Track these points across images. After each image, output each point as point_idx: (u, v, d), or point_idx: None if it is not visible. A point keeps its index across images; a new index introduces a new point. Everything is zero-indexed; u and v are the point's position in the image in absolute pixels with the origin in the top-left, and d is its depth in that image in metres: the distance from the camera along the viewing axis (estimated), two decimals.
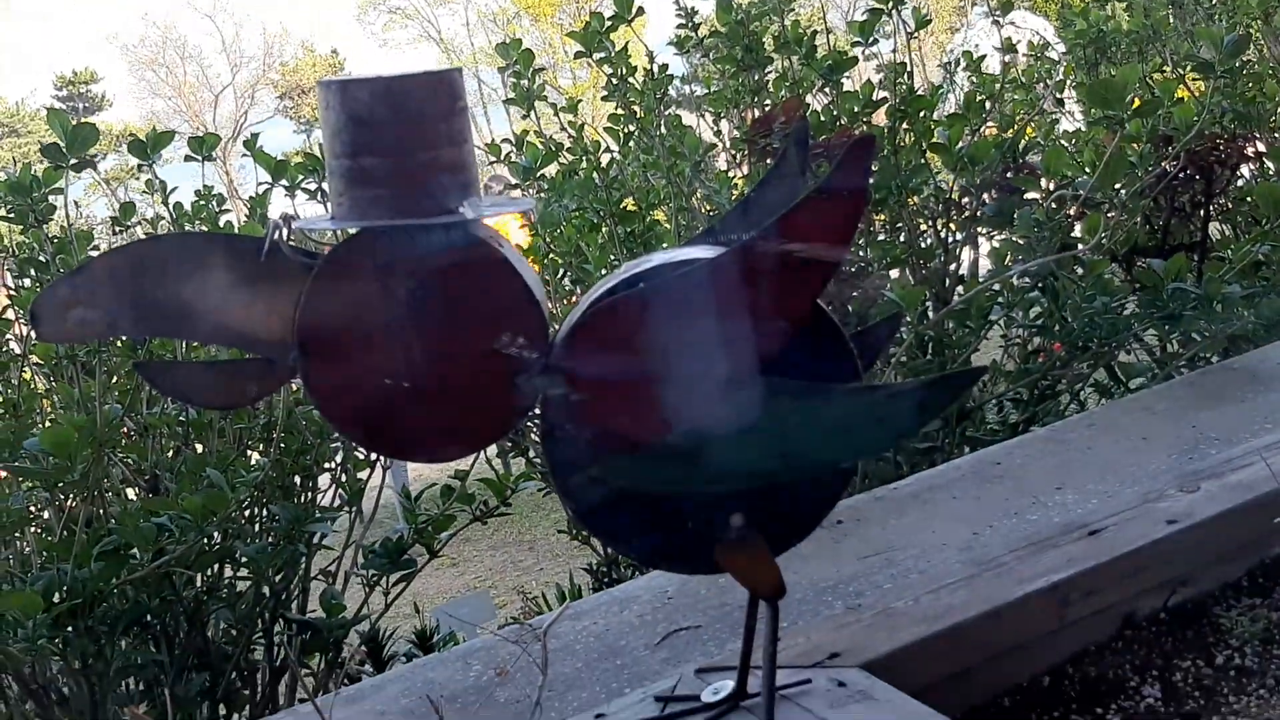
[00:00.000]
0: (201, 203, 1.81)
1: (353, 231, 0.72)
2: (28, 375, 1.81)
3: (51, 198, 1.73)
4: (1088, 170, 1.90)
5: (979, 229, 2.31)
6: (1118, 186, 1.85)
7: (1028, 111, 2.62)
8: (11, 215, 1.69)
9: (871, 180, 2.12)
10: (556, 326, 0.77)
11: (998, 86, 2.30)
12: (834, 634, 0.91)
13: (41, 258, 1.70)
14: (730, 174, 2.35)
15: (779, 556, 0.77)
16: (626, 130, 2.29)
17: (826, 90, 2.23)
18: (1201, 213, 2.33)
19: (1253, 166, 2.32)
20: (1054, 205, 1.95)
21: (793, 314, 0.71)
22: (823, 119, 2.22)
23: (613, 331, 0.72)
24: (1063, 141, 2.08)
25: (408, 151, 0.70)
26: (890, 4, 2.14)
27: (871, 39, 2.24)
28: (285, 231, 0.71)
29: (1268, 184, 1.78)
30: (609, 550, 2.00)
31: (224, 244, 0.72)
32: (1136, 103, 1.92)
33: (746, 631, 0.86)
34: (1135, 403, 1.94)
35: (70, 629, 1.56)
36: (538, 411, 0.75)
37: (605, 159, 2.30)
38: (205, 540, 1.64)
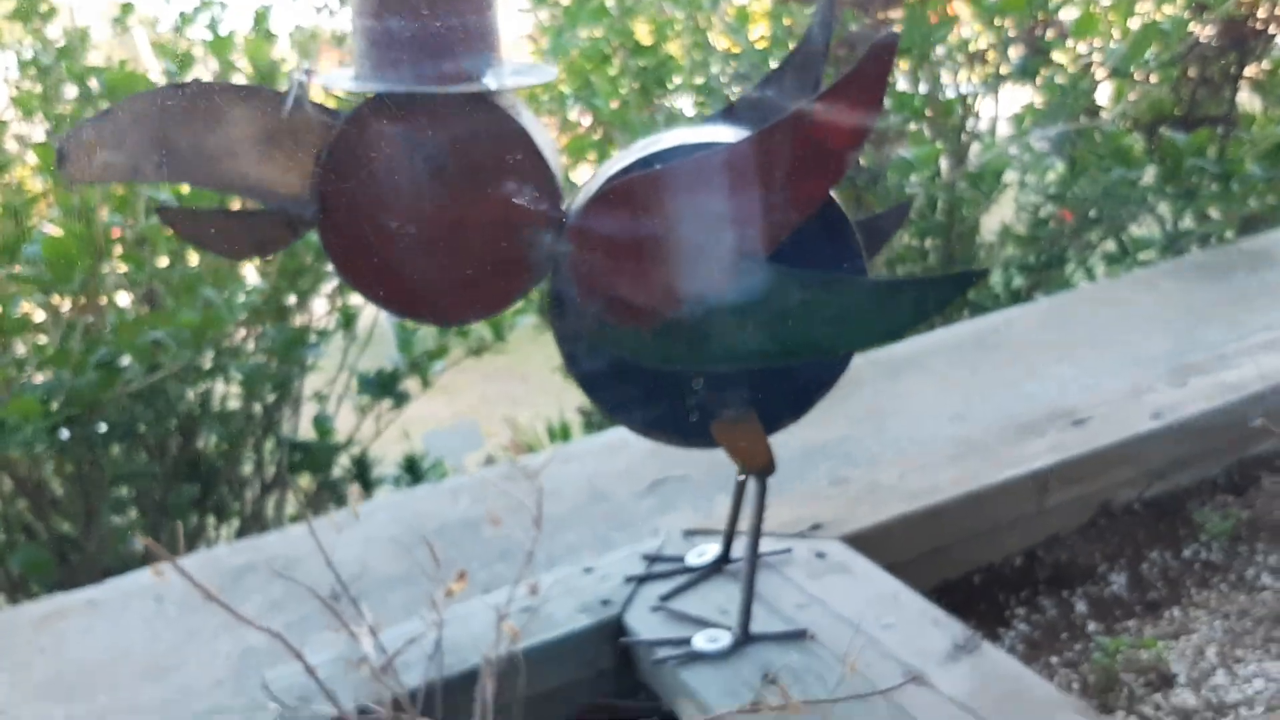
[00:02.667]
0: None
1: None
2: (24, 175, 1.78)
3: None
4: (1116, 37, 1.84)
5: (1002, 84, 2.25)
6: (1147, 57, 1.79)
7: None
8: (14, 15, 1.64)
9: (897, 29, 2.05)
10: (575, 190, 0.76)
11: None
12: (819, 505, 0.93)
13: (44, 60, 1.65)
14: (749, 7, 2.26)
15: (772, 434, 0.78)
16: None
17: None
18: (1232, 85, 2.26)
19: None
20: (1080, 70, 1.89)
21: (804, 204, 0.69)
22: None
23: (627, 206, 0.70)
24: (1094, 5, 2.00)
25: (432, 15, 0.67)
26: None
27: None
28: (306, 87, 0.69)
29: None
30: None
31: (246, 95, 0.70)
32: None
33: (734, 499, 0.87)
34: (1141, 278, 1.94)
35: (67, 434, 1.58)
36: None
37: None
38: (199, 357, 1.65)
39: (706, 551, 0.90)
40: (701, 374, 0.76)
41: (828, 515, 0.91)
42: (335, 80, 0.71)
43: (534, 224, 0.73)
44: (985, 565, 0.94)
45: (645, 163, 0.72)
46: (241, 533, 1.89)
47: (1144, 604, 0.91)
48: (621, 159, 0.75)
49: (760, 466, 0.78)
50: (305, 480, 1.89)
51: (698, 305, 0.72)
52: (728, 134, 0.75)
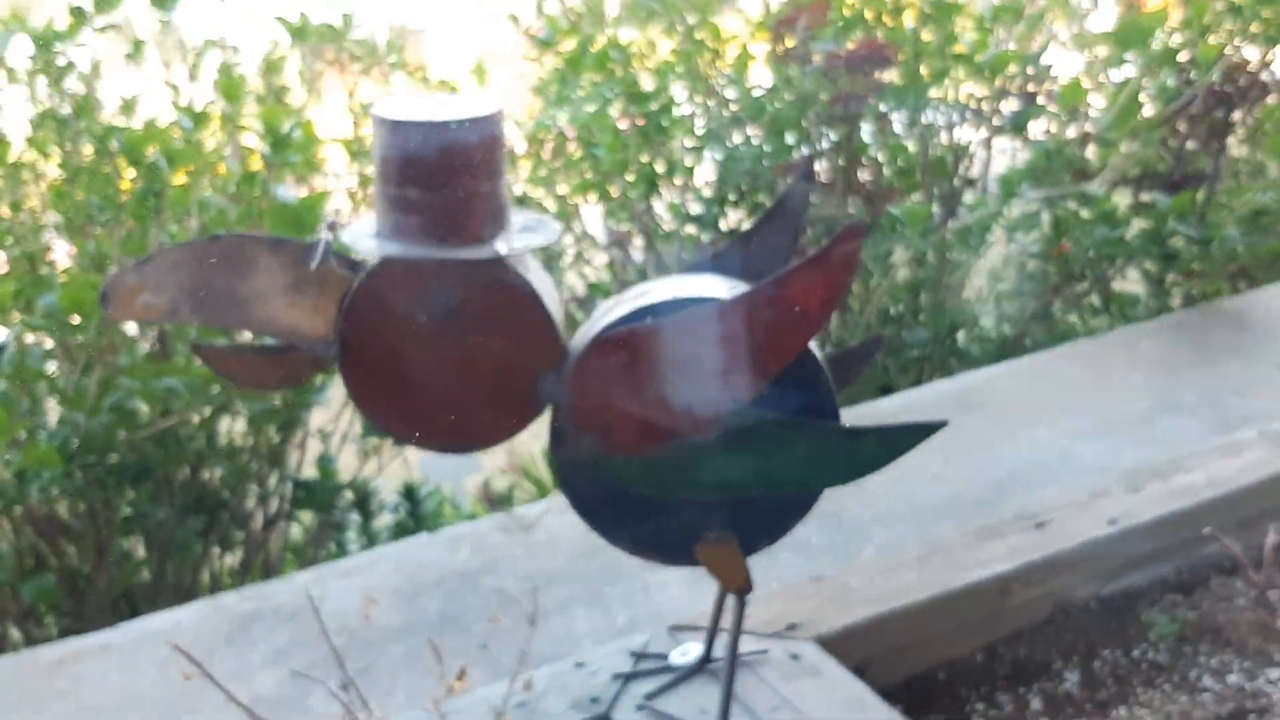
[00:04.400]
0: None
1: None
2: (41, 223, 1.85)
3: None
4: (1102, 104, 1.90)
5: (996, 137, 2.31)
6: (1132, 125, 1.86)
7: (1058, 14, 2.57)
8: (34, 71, 1.70)
9: (888, 83, 2.12)
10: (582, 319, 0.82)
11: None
12: (795, 604, 1.00)
13: (63, 111, 1.71)
14: (749, 63, 2.32)
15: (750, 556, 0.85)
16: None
17: None
18: (1219, 140, 2.33)
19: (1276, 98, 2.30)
20: (1066, 138, 1.95)
21: (780, 359, 0.77)
22: (848, 15, 2.19)
23: (620, 355, 0.78)
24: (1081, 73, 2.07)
25: (449, 186, 0.74)
26: None
27: None
28: (331, 243, 0.76)
29: (1276, 138, 1.79)
30: None
31: (277, 246, 0.77)
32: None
33: (717, 601, 0.95)
34: (1120, 339, 2.01)
35: (81, 479, 1.65)
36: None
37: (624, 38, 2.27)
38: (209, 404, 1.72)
39: (690, 651, 0.97)
40: (686, 502, 0.83)
41: (803, 615, 0.98)
42: (359, 240, 0.78)
43: (536, 367, 0.80)
44: (949, 661, 1.01)
45: (639, 314, 0.79)
46: (244, 564, 1.96)
47: (1094, 702, 0.98)
48: (617, 306, 0.82)
49: (738, 586, 0.86)
50: (307, 517, 1.96)
51: (684, 443, 0.79)
52: (714, 286, 0.82)
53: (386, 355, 0.79)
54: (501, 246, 0.77)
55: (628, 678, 0.95)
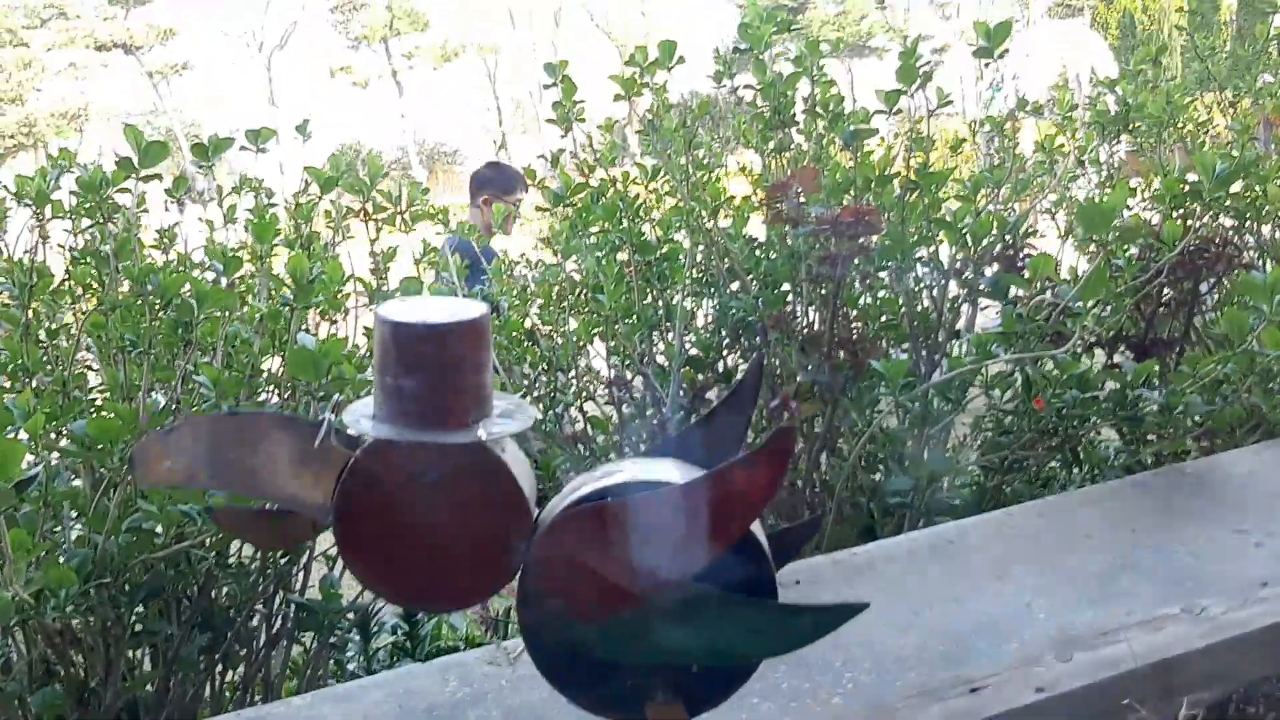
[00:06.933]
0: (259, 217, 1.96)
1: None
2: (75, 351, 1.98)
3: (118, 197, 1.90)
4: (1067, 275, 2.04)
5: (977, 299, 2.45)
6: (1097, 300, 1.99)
7: (1044, 179, 2.74)
8: (80, 210, 1.86)
9: (875, 241, 2.26)
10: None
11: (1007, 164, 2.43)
12: None
13: (104, 250, 1.86)
14: (746, 217, 2.48)
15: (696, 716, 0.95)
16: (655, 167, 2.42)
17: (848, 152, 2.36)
18: (1187, 309, 2.46)
19: (1242, 270, 2.43)
20: (1039, 303, 2.08)
21: (723, 540, 0.88)
22: (839, 180, 2.34)
23: (580, 531, 0.89)
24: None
25: (439, 379, 0.87)
26: (913, 86, 2.25)
27: (895, 109, 2.36)
28: (334, 424, 0.88)
29: (1235, 311, 1.91)
30: None
31: (287, 424, 0.89)
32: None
33: None
34: (1089, 496, 2.10)
35: (95, 597, 1.75)
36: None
37: (632, 191, 2.44)
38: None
39: None
40: (638, 665, 0.93)
41: None
42: (358, 421, 0.90)
43: (509, 537, 0.91)
44: None
45: (600, 494, 0.91)
46: (245, 681, 2.04)
47: None
48: (583, 484, 0.93)
49: None
50: (309, 639, 2.05)
51: (635, 611, 0.89)
52: (671, 471, 0.94)
53: (376, 523, 0.90)
54: (482, 432, 0.89)
55: None
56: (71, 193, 1.97)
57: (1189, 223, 2.23)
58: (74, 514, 1.83)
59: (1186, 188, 2.10)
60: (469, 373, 0.88)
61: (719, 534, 0.88)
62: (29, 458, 1.71)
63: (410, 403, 0.87)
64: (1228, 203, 2.32)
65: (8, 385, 1.89)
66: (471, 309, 0.88)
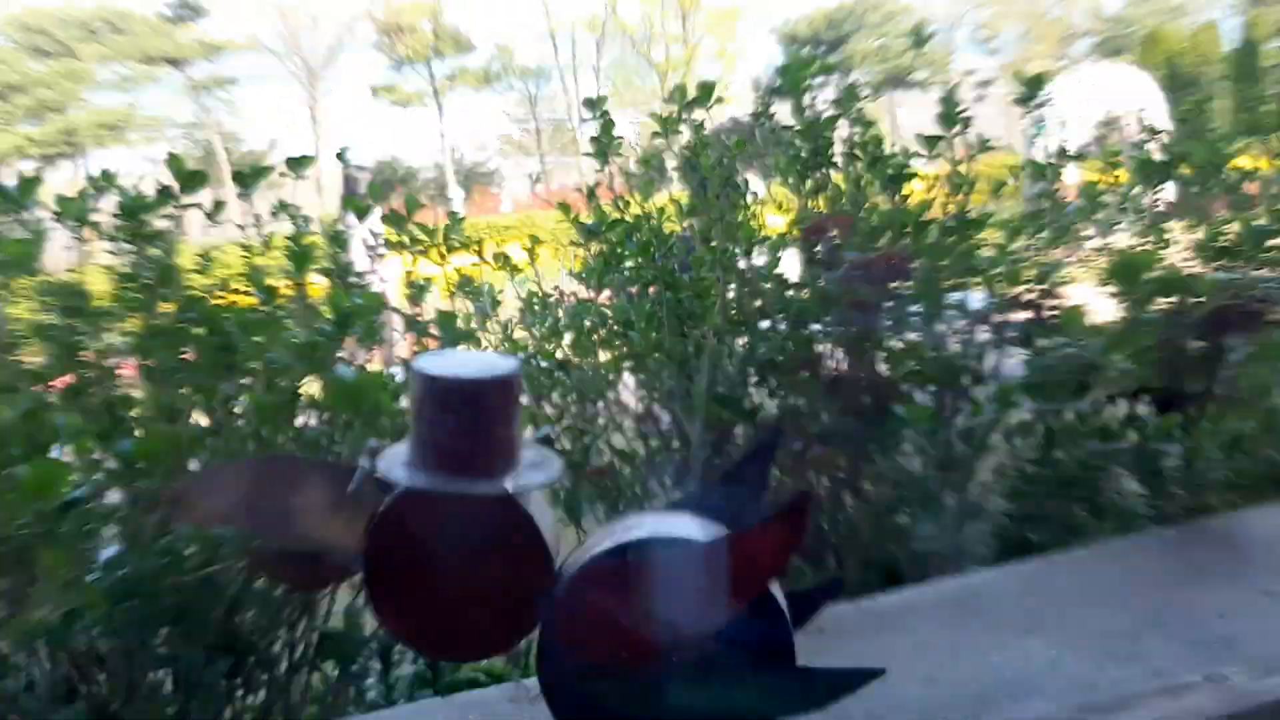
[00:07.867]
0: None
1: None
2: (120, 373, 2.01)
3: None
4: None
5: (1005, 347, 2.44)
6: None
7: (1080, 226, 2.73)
8: (120, 235, 1.90)
9: (907, 283, 2.26)
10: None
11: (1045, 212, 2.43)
12: None
13: (144, 277, 1.90)
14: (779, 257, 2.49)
15: None
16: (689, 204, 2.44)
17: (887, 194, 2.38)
18: (1211, 364, 2.44)
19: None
20: (1066, 352, 2.08)
21: (739, 598, 0.89)
22: (876, 223, 2.35)
23: (600, 585, 0.90)
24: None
25: (470, 431, 0.89)
26: (954, 131, 2.26)
27: (935, 153, 2.37)
28: (369, 471, 0.90)
29: (1255, 369, 1.91)
30: None
31: (323, 469, 0.91)
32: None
33: None
34: (1114, 551, 2.10)
35: (121, 619, 1.77)
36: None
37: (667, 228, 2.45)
38: None
39: None
40: (655, 716, 0.94)
41: None
42: (392, 469, 0.92)
43: (531, 588, 0.92)
44: None
45: (620, 549, 0.92)
46: (265, 707, 2.05)
47: None
48: (604, 539, 0.95)
49: None
50: (330, 667, 2.06)
51: (652, 668, 0.91)
52: (690, 527, 0.95)
53: (403, 568, 0.92)
54: (510, 484, 0.90)
55: None
56: (112, 215, 2.01)
57: (1223, 275, 2.22)
58: (111, 533, 1.86)
59: (1225, 242, 2.10)
60: (499, 426, 0.90)
61: (738, 593, 0.89)
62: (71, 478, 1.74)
63: (442, 453, 0.89)
64: (1264, 255, 2.31)
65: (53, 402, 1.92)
66: (503, 365, 0.90)
